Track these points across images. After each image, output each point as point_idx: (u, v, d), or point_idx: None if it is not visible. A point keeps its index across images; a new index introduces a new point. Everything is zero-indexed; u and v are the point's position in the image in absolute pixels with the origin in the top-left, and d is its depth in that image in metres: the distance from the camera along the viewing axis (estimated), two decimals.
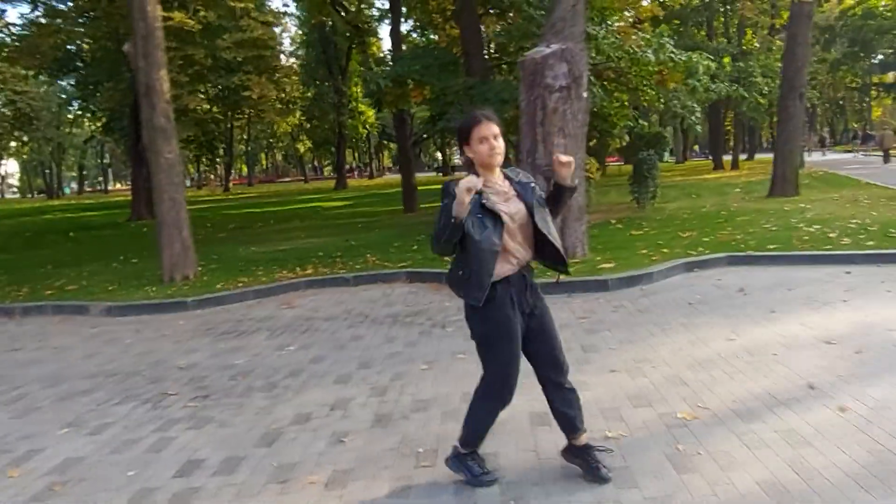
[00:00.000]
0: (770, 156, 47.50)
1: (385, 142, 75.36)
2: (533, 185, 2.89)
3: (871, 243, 7.97)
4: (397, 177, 70.25)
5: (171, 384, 4.87)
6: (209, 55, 18.40)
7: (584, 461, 2.97)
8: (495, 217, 2.74)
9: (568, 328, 5.61)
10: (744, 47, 30.66)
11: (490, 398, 2.97)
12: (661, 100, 15.19)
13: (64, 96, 53.41)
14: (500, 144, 2.79)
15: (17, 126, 33.55)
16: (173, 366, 5.36)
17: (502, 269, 2.79)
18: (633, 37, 12.24)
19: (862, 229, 8.97)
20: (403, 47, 19.43)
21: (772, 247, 8.33)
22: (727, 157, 33.92)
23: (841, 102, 62.26)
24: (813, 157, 35.82)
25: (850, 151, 40.91)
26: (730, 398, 3.86)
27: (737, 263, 7.93)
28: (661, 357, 4.70)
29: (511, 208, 2.80)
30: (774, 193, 15.20)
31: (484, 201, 2.73)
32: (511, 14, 14.42)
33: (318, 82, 42.19)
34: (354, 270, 8.85)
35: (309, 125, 46.93)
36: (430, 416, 3.91)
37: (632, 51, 12.22)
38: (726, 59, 23.39)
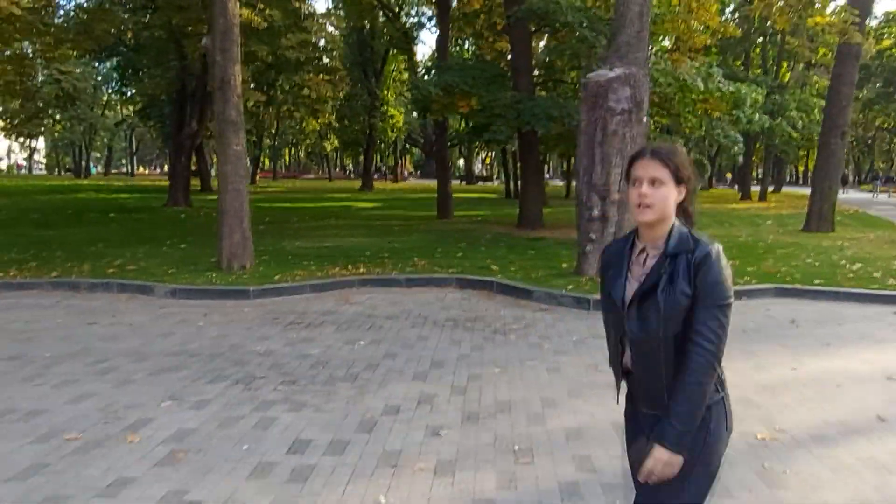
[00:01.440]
0: (797, 189, 47.55)
1: (409, 146, 76.01)
2: (689, 265, 1.84)
3: None
4: (421, 182, 70.45)
5: (256, 368, 5.11)
6: (271, 52, 18.77)
7: None
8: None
9: None
10: (781, 81, 30.72)
11: None
12: (703, 128, 15.34)
13: (99, 78, 54.54)
14: (655, 195, 1.87)
15: (58, 105, 34.17)
16: (252, 351, 5.60)
17: (620, 362, 2.08)
18: (684, 65, 12.41)
19: None
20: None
21: (818, 282, 8.49)
22: (754, 189, 33.96)
23: (870, 142, 62.03)
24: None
25: (870, 191, 40.70)
26: (804, 423, 4.04)
27: (784, 295, 8.10)
28: (730, 381, 4.86)
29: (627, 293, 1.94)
30: (810, 228, 15.33)
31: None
32: (561, 34, 14.63)
33: (351, 84, 42.58)
34: (405, 272, 9.08)
35: (338, 125, 47.35)
36: (515, 418, 4.11)
37: (682, 78, 12.40)
38: (763, 92, 23.51)
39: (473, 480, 3.25)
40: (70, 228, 15.46)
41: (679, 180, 1.88)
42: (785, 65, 34.96)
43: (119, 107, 62.50)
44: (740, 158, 18.68)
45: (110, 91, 56.32)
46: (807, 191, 45.99)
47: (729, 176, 60.44)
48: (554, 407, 4.30)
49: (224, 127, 8.66)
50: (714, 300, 1.80)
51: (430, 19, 22.82)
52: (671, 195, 1.87)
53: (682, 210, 1.93)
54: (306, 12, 18.00)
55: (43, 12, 11.88)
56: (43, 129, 38.75)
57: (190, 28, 17.56)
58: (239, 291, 7.86)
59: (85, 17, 11.82)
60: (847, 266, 9.74)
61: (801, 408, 4.32)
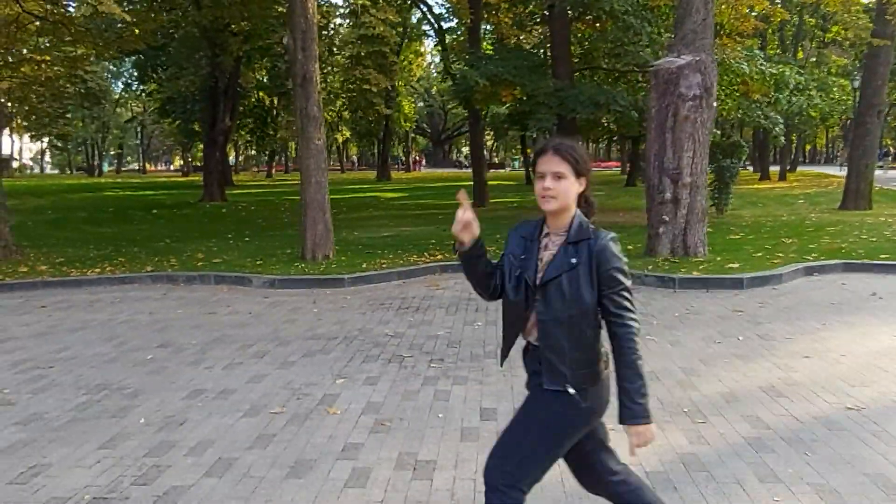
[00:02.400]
0: (812, 168, 47.49)
1: (416, 136, 76.23)
2: (591, 253, 2.06)
3: None
4: (433, 171, 70.39)
5: (397, 349, 5.47)
6: (328, 48, 19.05)
7: None
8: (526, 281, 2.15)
9: (728, 320, 6.15)
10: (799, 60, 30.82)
11: None
12: (740, 110, 15.61)
13: (108, 75, 54.73)
14: (557, 188, 2.06)
15: (83, 105, 34.48)
16: (381, 333, 5.96)
17: (515, 331, 2.27)
18: (729, 49, 12.68)
19: None
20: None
21: (883, 256, 8.82)
22: (773, 169, 34.16)
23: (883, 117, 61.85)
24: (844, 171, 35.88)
25: (880, 168, 40.84)
26: None
27: (853, 270, 8.44)
28: (842, 348, 5.23)
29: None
30: (847, 206, 15.62)
31: (510, 254, 2.20)
32: (603, 21, 14.89)
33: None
34: None
35: (351, 116, 47.56)
36: (667, 386, 4.46)
37: (727, 62, 12.67)
38: (804, 73, 23.74)
39: (665, 438, 3.61)
40: (124, 225, 15.84)
41: (579, 173, 2.09)
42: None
43: (129, 104, 62.88)
44: (782, 139, 18.90)
45: (122, 88, 56.65)
46: (822, 169, 46.10)
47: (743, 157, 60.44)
48: (696, 375, 4.66)
49: (306, 122, 8.99)
50: (619, 284, 2.05)
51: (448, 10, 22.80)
52: (572, 187, 2.08)
53: (585, 199, 2.15)
54: (361, 6, 18.23)
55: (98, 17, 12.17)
56: (71, 128, 39.05)
57: (232, 25, 17.81)
58: (334, 280, 8.22)
59: (134, 20, 12.08)
60: None
61: None
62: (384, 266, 8.87)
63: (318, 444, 3.62)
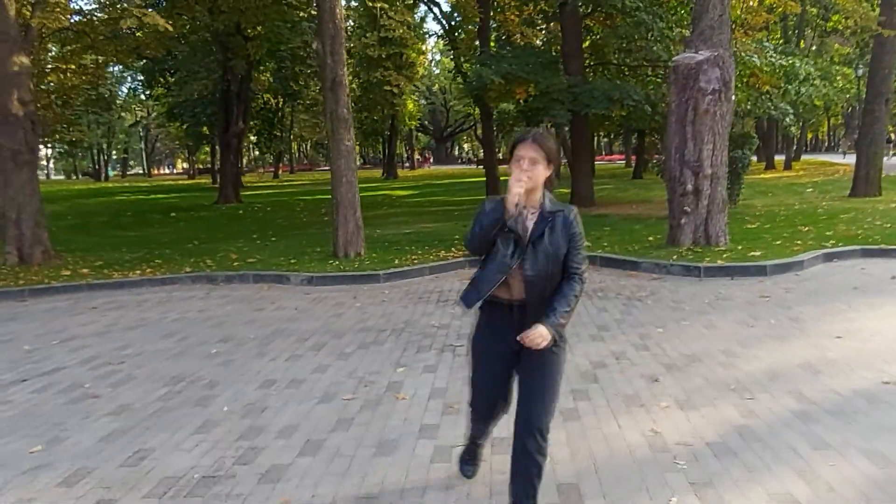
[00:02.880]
0: (816, 157, 47.57)
1: (419, 134, 76.54)
2: (565, 224, 2.63)
3: None
4: (437, 168, 70.56)
5: (446, 338, 5.76)
6: (352, 52, 19.32)
7: None
8: (517, 241, 2.62)
9: (757, 305, 6.43)
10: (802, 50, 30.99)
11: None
12: (749, 101, 15.84)
13: (110, 79, 55.04)
14: (531, 173, 2.55)
15: (93, 110, 34.88)
16: (428, 325, 6.25)
17: (500, 294, 2.69)
18: (740, 43, 12.92)
19: None
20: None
21: None
22: (778, 158, 34.36)
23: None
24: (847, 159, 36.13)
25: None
26: None
27: (871, 256, 8.69)
28: (871, 328, 5.51)
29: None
30: (857, 194, 15.86)
31: (510, 222, 2.59)
32: (608, 21, 15.13)
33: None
34: None
35: (357, 115, 47.88)
36: (709, 366, 4.74)
37: (739, 55, 12.90)
38: (814, 63, 23.98)
39: (717, 412, 3.90)
40: (147, 229, 16.16)
41: (549, 161, 2.60)
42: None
43: (134, 108, 63.22)
44: (793, 129, 19.14)
45: (126, 93, 57.03)
46: (824, 157, 46.13)
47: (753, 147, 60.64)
48: (735, 356, 4.94)
49: (336, 124, 9.28)
50: (580, 245, 2.66)
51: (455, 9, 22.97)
52: (544, 172, 2.60)
53: (549, 181, 2.65)
54: (380, 9, 18.51)
55: (119, 27, 12.42)
56: (82, 134, 39.47)
57: (249, 30, 18.08)
58: (370, 276, 8.52)
59: (167, 26, 12.30)
60: None
61: None
62: (415, 262, 9.16)
63: (395, 427, 3.91)
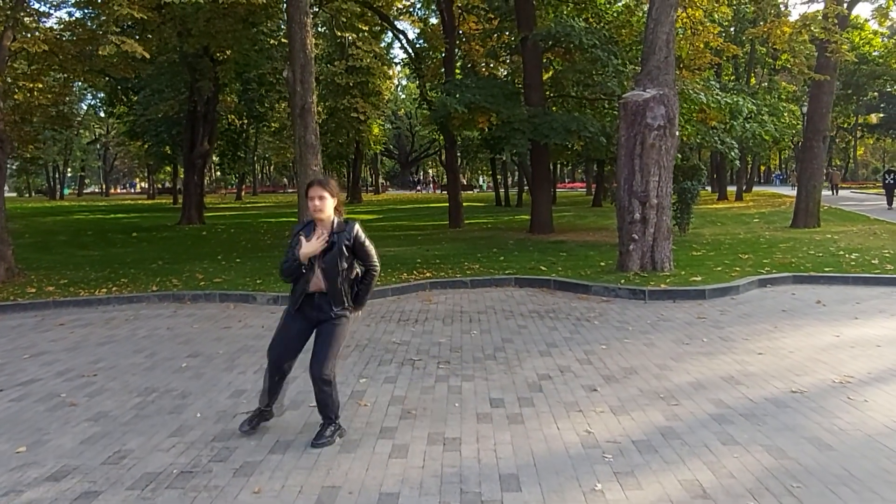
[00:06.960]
0: (765, 189, 49.40)
1: (384, 158, 77.15)
2: (347, 238, 4.01)
3: None
4: (400, 193, 70.91)
5: (406, 353, 6.16)
6: (320, 79, 19.68)
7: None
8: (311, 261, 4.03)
9: (694, 326, 7.01)
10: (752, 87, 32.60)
11: None
12: (699, 136, 16.77)
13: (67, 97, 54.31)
14: (320, 206, 3.96)
15: (53, 127, 34.45)
16: (390, 341, 6.64)
17: (305, 288, 4.04)
18: (688, 81, 13.79)
19: None
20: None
21: (828, 269, 9.84)
22: (730, 189, 35.82)
23: (828, 141, 64.91)
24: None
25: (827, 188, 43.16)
26: (864, 370, 5.27)
27: (802, 282, 9.43)
28: (791, 346, 6.11)
29: (319, 249, 3.97)
30: (798, 225, 16.87)
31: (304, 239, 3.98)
32: (573, 53, 15.93)
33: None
34: (466, 275, 10.19)
35: (321, 138, 48.21)
36: (644, 378, 5.25)
37: (686, 92, 13.77)
38: (756, 101, 25.30)
39: (645, 416, 4.38)
40: (109, 248, 16.19)
41: (332, 195, 4.02)
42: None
43: (93, 126, 62.49)
44: (737, 163, 20.18)
45: (86, 111, 56.43)
46: (775, 189, 48.00)
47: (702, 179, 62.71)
48: (668, 370, 5.46)
49: (304, 150, 9.69)
50: (367, 249, 4.10)
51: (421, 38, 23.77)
52: (331, 204, 4.02)
53: (337, 209, 4.07)
54: (349, 39, 19.03)
55: (88, 47, 12.62)
56: (40, 152, 38.84)
57: (218, 53, 18.39)
58: None
59: (146, 55, 12.49)
60: (846, 255, 11.16)
61: (856, 361, 5.55)
62: (378, 283, 9.53)
63: (358, 428, 4.29)
